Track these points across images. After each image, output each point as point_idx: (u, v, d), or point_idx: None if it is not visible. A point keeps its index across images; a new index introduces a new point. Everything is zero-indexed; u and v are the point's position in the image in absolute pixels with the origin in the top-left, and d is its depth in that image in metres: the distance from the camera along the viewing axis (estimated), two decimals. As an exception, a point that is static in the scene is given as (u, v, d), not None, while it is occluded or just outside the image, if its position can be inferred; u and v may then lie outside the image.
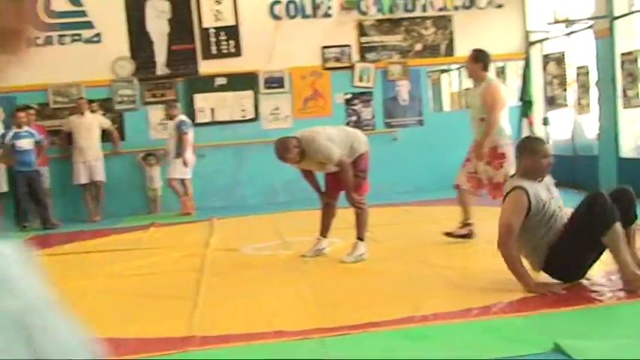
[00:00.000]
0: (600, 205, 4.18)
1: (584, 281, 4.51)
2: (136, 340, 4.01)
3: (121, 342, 3.95)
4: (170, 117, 10.15)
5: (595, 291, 4.32)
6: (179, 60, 10.86)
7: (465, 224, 6.30)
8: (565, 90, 10.46)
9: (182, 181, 10.18)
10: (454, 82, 12.38)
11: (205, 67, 10.92)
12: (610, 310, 3.98)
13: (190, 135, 10.07)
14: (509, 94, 6.20)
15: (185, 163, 9.98)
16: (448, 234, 6.28)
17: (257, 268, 5.95)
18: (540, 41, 11.22)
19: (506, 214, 4.46)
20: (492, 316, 3.96)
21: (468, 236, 6.27)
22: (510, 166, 5.88)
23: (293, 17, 11.04)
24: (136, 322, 4.37)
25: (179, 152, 9.95)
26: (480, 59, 6.29)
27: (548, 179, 4.70)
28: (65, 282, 5.83)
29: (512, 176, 4.82)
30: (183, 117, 10.18)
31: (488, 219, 7.60)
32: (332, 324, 3.98)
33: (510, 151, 5.99)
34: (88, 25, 10.68)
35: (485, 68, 6.29)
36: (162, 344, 3.88)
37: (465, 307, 4.13)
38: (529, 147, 4.62)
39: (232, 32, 10.90)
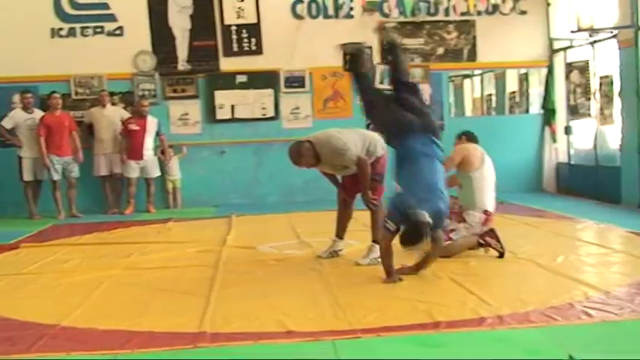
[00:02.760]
0: None
1: (602, 296, 4.45)
2: (147, 333, 4.00)
3: (132, 335, 3.96)
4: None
5: (614, 305, 4.25)
6: (200, 56, 10.88)
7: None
8: (588, 99, 10.34)
9: None
10: (476, 87, 12.26)
11: (226, 64, 10.93)
12: (629, 325, 3.90)
13: None
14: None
15: None
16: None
17: (272, 266, 5.94)
18: (564, 49, 11.11)
19: None
20: (506, 326, 3.90)
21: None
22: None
23: (315, 17, 11.02)
24: (147, 316, 4.38)
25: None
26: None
27: None
28: (81, 272, 5.90)
29: None
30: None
31: (502, 226, 7.60)
32: (344, 326, 3.96)
33: None
34: (111, 17, 10.74)
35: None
36: (173, 339, 3.87)
37: (479, 316, 4.09)
38: None
39: (254, 30, 10.89)
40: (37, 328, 4.17)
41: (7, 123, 10.00)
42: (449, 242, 5.83)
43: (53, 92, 10.05)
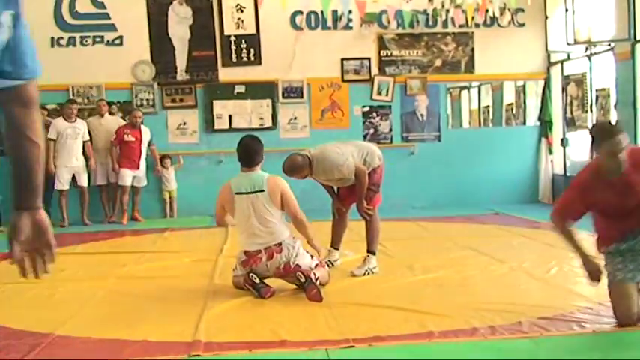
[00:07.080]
0: None
1: (596, 306, 4.48)
2: (141, 342, 4.01)
3: (127, 344, 3.97)
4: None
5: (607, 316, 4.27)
6: (199, 66, 10.94)
7: None
8: (585, 112, 10.39)
9: None
10: (474, 99, 12.32)
11: (225, 74, 10.98)
12: (625, 335, 3.93)
13: None
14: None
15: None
16: None
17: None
18: (561, 62, 11.18)
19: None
20: (499, 336, 3.92)
21: None
22: None
23: (314, 28, 11.09)
24: (142, 325, 4.38)
25: None
26: None
27: None
28: (76, 282, 5.91)
29: None
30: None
31: (497, 237, 7.60)
32: (338, 336, 3.97)
33: None
34: (111, 27, 10.80)
35: None
36: (167, 348, 3.89)
37: (471, 326, 4.10)
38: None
39: (253, 41, 10.96)
40: (32, 336, 4.17)
41: (51, 134, 9.91)
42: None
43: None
